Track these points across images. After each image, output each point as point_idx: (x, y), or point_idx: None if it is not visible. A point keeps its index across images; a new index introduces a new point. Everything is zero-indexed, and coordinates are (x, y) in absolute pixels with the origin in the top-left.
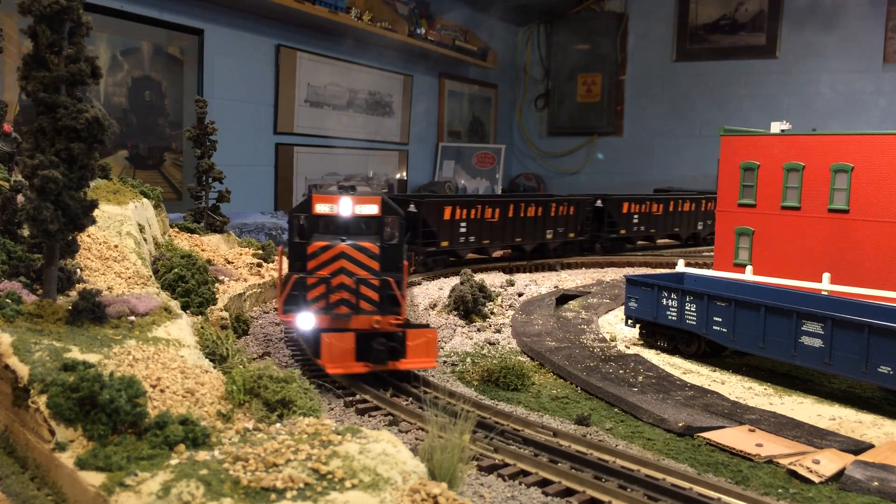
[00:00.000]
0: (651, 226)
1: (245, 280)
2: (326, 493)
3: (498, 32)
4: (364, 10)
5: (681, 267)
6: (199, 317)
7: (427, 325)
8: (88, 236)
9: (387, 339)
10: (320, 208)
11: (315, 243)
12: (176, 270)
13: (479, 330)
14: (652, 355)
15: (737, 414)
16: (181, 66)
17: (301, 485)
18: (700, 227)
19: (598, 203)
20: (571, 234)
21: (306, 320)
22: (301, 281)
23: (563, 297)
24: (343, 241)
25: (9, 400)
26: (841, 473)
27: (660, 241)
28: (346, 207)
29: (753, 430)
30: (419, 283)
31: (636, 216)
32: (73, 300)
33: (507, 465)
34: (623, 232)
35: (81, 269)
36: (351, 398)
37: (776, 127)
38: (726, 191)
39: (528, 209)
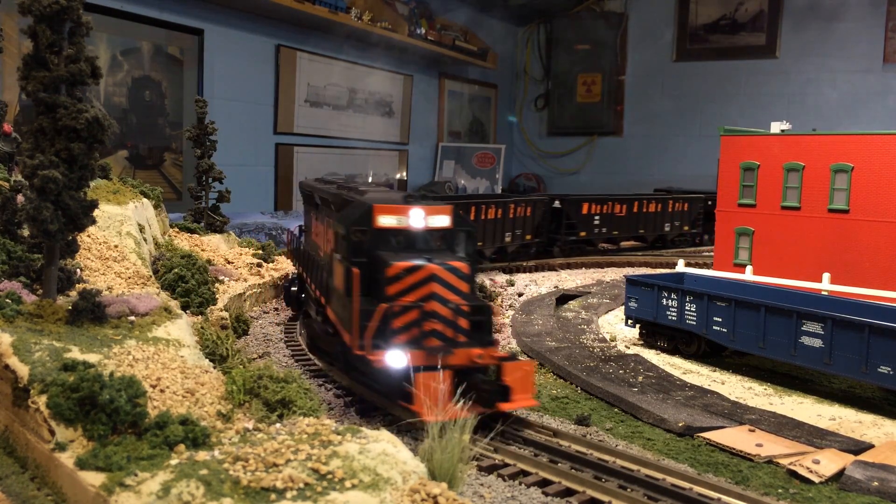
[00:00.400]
0: (614, 228)
1: (245, 280)
2: (326, 493)
3: (498, 32)
4: (364, 10)
5: (681, 267)
6: (199, 317)
7: (516, 356)
8: (88, 236)
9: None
10: (384, 221)
11: (397, 264)
12: (176, 270)
13: None
14: (652, 355)
15: (737, 414)
16: (181, 66)
17: (301, 485)
18: (667, 229)
19: (556, 204)
20: (528, 237)
21: (397, 358)
22: (390, 311)
23: (563, 297)
24: (430, 260)
25: (9, 400)
26: (841, 473)
27: (624, 245)
28: (417, 220)
29: (753, 430)
30: None
31: (597, 217)
32: (73, 300)
33: (507, 465)
34: (583, 234)
35: (81, 269)
36: (350, 398)
37: (776, 127)
38: (726, 191)
39: (489, 211)
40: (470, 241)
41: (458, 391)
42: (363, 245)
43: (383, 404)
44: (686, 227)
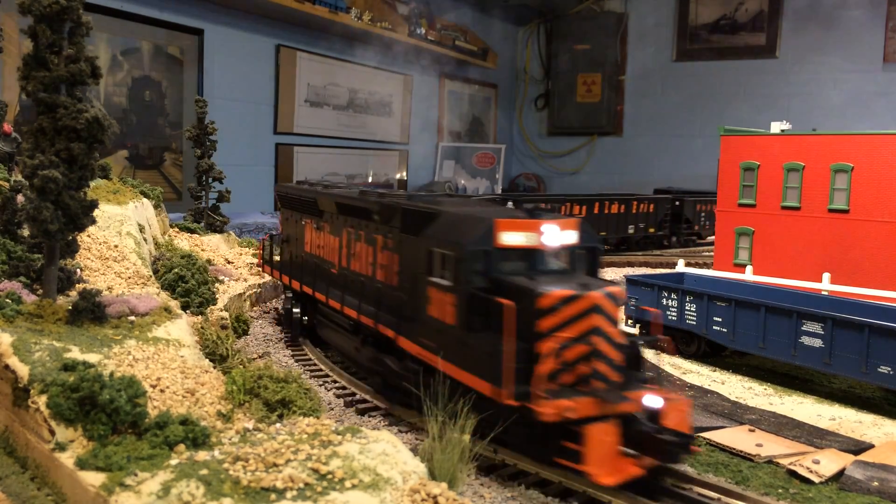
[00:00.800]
0: None
1: (245, 280)
2: (326, 493)
3: (498, 32)
4: (364, 10)
5: (681, 267)
6: (199, 317)
7: (678, 395)
8: (88, 236)
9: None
10: (510, 239)
11: (553, 293)
12: (176, 270)
13: None
14: (652, 355)
15: (737, 414)
16: (181, 66)
17: (301, 485)
18: (632, 231)
19: (509, 205)
20: None
21: (568, 409)
22: (562, 352)
23: None
24: (586, 287)
25: (9, 400)
26: (841, 473)
27: None
28: (551, 237)
29: (753, 430)
30: None
31: None
32: (73, 300)
33: (507, 465)
34: None
35: (81, 269)
36: (351, 398)
37: (776, 127)
38: (726, 191)
39: None
40: (595, 260)
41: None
42: (483, 269)
43: (526, 461)
44: (652, 230)
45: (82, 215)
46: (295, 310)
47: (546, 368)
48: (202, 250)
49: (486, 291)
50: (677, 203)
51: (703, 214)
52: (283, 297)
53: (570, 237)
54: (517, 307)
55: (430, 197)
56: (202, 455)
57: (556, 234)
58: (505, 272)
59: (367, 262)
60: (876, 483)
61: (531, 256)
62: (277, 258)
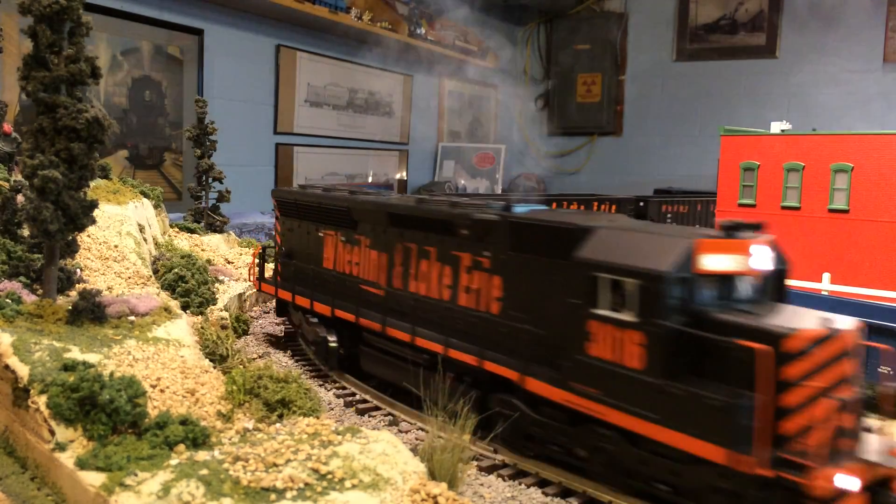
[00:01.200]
0: None
1: (245, 280)
2: (326, 493)
3: (498, 32)
4: (364, 10)
5: None
6: (199, 317)
7: None
8: (88, 236)
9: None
10: (714, 263)
11: (802, 332)
12: (176, 270)
13: None
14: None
15: None
16: (181, 66)
17: (301, 485)
18: None
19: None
20: None
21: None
22: (843, 406)
23: None
24: (832, 323)
25: (9, 400)
26: None
27: None
28: (761, 260)
29: None
30: None
31: None
32: (73, 300)
33: (506, 465)
34: None
35: (81, 269)
36: (351, 398)
37: (776, 127)
38: (726, 191)
39: None
40: (783, 284)
41: None
42: (682, 301)
43: None
44: None
45: (82, 215)
46: (331, 338)
47: (819, 427)
48: (202, 250)
49: (689, 328)
50: (641, 204)
51: (668, 216)
52: (273, 309)
53: (770, 259)
54: (741, 349)
55: (536, 205)
56: (202, 455)
57: (765, 257)
58: (705, 304)
59: (440, 284)
60: None
61: (727, 283)
62: (272, 274)
